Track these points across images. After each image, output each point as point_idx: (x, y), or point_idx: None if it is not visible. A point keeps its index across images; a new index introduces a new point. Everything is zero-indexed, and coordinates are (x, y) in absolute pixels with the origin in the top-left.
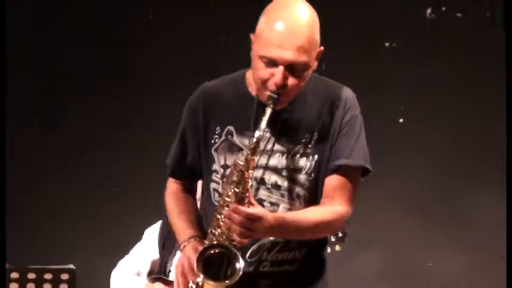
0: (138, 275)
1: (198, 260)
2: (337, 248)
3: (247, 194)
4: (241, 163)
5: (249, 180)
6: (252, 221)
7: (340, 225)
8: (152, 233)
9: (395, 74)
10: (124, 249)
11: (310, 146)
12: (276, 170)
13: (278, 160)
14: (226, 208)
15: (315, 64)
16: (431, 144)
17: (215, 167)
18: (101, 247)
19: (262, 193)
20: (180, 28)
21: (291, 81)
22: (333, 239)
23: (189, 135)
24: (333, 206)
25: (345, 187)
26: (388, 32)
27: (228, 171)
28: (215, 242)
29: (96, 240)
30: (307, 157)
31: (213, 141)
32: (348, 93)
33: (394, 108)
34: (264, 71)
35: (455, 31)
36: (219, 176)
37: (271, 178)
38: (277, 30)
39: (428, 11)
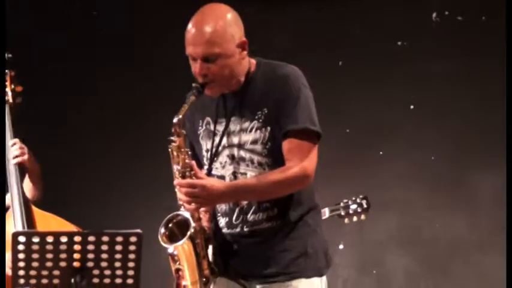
0: None
1: (163, 233)
2: (363, 217)
3: (188, 168)
4: (174, 145)
5: (185, 156)
6: (194, 190)
7: (302, 179)
8: None
9: (407, 68)
10: None
11: (261, 120)
12: (239, 146)
13: (239, 137)
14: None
15: (240, 53)
16: (437, 125)
17: (203, 152)
18: (160, 214)
19: (233, 167)
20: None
21: (212, 68)
22: (359, 210)
23: (189, 135)
24: (287, 165)
25: (296, 148)
26: (400, 33)
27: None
28: (169, 215)
29: (156, 209)
30: (261, 130)
31: (199, 132)
32: (288, 69)
33: (406, 96)
34: (193, 66)
35: (455, 31)
36: (205, 159)
37: (237, 153)
38: (189, 32)
39: (434, 14)
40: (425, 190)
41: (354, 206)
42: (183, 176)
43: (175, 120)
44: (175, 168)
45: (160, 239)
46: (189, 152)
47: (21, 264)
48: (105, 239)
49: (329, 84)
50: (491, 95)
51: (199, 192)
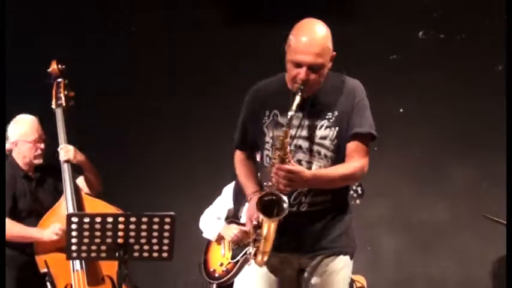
0: (218, 219)
1: (257, 205)
2: (358, 201)
3: (287, 156)
4: (281, 134)
5: (288, 146)
6: (292, 175)
7: (360, 175)
8: (228, 190)
9: (398, 77)
10: (210, 201)
11: (331, 120)
12: (309, 139)
13: (310, 132)
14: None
15: (329, 64)
16: (422, 126)
17: (266, 139)
18: (195, 199)
19: (301, 155)
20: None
21: (312, 76)
22: (355, 195)
23: (248, 119)
24: (352, 162)
25: (359, 148)
26: (393, 48)
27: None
28: (269, 191)
29: (191, 194)
30: (330, 128)
31: (263, 121)
32: (356, 83)
33: (396, 101)
34: (294, 71)
35: (438, 47)
36: (269, 145)
37: (306, 145)
38: (301, 41)
39: (421, 33)
40: (412, 181)
41: (350, 192)
42: (282, 162)
43: (290, 114)
44: (277, 154)
45: (255, 207)
46: (291, 143)
47: (74, 240)
48: (144, 219)
49: None
50: (469, 100)
51: (295, 177)
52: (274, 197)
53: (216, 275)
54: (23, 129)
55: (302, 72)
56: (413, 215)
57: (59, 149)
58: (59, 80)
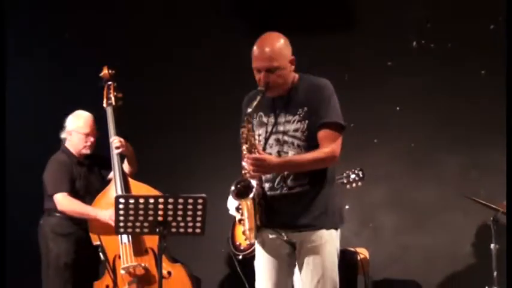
0: None
1: (233, 191)
2: (360, 184)
3: (254, 147)
4: (243, 129)
5: (252, 139)
6: (257, 161)
7: (330, 159)
8: None
9: (395, 80)
10: None
11: (301, 115)
12: (284, 133)
13: (285, 127)
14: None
15: (289, 67)
16: (416, 121)
17: (256, 136)
18: (223, 183)
19: (278, 147)
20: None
21: (272, 78)
22: (356, 178)
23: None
24: (321, 149)
25: (328, 136)
26: (389, 55)
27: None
28: (240, 179)
29: (220, 178)
30: (301, 122)
31: (253, 122)
32: (323, 81)
33: (394, 100)
34: (257, 76)
35: (429, 55)
36: (257, 141)
37: (282, 138)
38: (255, 51)
39: (414, 43)
40: (407, 167)
41: (353, 176)
42: (250, 152)
43: (248, 111)
44: (244, 146)
45: (231, 195)
46: (254, 135)
47: (121, 218)
48: (181, 200)
49: (338, 93)
50: (456, 100)
51: (261, 164)
52: (244, 183)
53: (242, 247)
54: (79, 122)
55: (262, 75)
56: (409, 196)
57: (111, 141)
58: (109, 82)
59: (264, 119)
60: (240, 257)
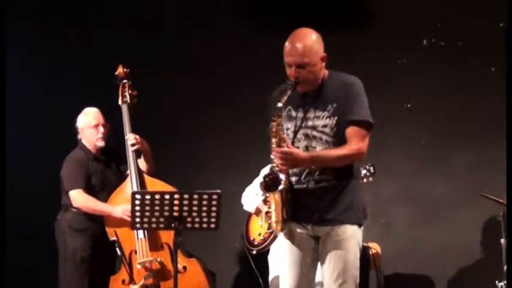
0: (256, 195)
1: (261, 184)
2: (371, 179)
3: (283, 141)
4: (273, 123)
5: (281, 133)
6: (285, 155)
7: (358, 156)
8: (265, 171)
9: (406, 78)
10: (250, 181)
11: (331, 111)
12: (313, 128)
13: (314, 122)
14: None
15: (320, 63)
16: (426, 118)
17: (284, 130)
18: (237, 179)
19: (307, 142)
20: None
21: (302, 73)
22: (368, 174)
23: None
24: (349, 145)
25: (356, 133)
26: (401, 53)
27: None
28: (269, 172)
29: (235, 175)
30: (330, 118)
31: (282, 116)
32: (352, 78)
33: (405, 98)
34: (288, 71)
35: (439, 53)
36: (285, 134)
37: (311, 133)
38: (287, 46)
39: (425, 41)
40: (418, 163)
41: (364, 172)
42: (279, 146)
43: (279, 105)
44: (273, 140)
45: (260, 187)
46: (283, 130)
47: (137, 213)
48: (196, 196)
49: None
50: (466, 97)
51: (290, 158)
52: (273, 176)
53: (256, 242)
54: (87, 118)
55: (292, 71)
56: (419, 192)
57: (126, 138)
58: (124, 81)
59: (293, 113)
60: (254, 252)
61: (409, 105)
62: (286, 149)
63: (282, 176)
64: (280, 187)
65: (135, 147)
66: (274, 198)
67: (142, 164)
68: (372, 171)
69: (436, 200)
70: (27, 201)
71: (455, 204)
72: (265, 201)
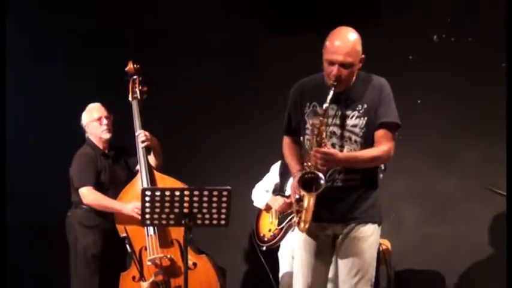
0: (267, 191)
1: (299, 181)
2: (381, 176)
3: (324, 141)
4: (317, 122)
5: (323, 132)
6: (327, 156)
7: (387, 157)
8: (275, 168)
9: (416, 74)
10: (260, 177)
11: (361, 112)
12: (342, 127)
13: (343, 121)
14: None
15: (359, 64)
16: (437, 115)
17: (307, 126)
18: (248, 175)
19: (335, 140)
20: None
21: (344, 73)
22: (379, 171)
23: (292, 110)
24: (379, 147)
25: (386, 135)
26: (411, 48)
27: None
28: (308, 170)
29: (245, 171)
30: (360, 118)
31: (305, 111)
32: (382, 80)
33: (415, 94)
34: (329, 68)
35: (450, 48)
36: (309, 131)
37: (339, 131)
38: (334, 44)
39: (435, 37)
40: (428, 160)
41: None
42: (319, 145)
43: (325, 106)
44: (315, 139)
45: (298, 184)
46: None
47: (147, 210)
48: (206, 193)
49: None
50: (476, 94)
51: (329, 158)
52: (313, 175)
53: (265, 239)
54: (90, 113)
55: (335, 69)
56: (430, 188)
57: (137, 134)
58: (134, 77)
59: (319, 110)
60: (264, 248)
61: (419, 102)
62: (326, 149)
63: (323, 177)
64: (320, 189)
65: (145, 143)
66: (310, 198)
67: (151, 159)
68: (383, 168)
69: (447, 196)
70: (27, 201)
71: (466, 200)
72: (299, 200)
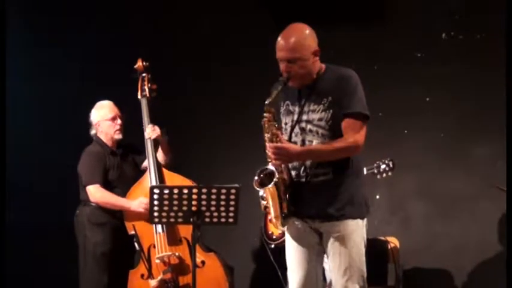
0: None
1: (256, 181)
2: (390, 174)
3: (275, 136)
4: (264, 119)
5: (273, 128)
6: (278, 150)
7: (354, 148)
8: None
9: (424, 71)
10: None
11: (326, 105)
12: (309, 121)
13: (310, 116)
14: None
15: (313, 58)
16: (445, 112)
17: (282, 124)
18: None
19: (304, 136)
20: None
21: (293, 68)
22: (387, 169)
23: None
24: (345, 138)
25: (352, 126)
26: (419, 47)
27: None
28: (260, 168)
29: (254, 169)
30: (325, 111)
31: (281, 110)
32: (350, 72)
33: (423, 91)
34: (281, 66)
35: (458, 46)
36: (283, 129)
37: (307, 126)
38: (278, 41)
39: (443, 34)
40: (437, 157)
41: (383, 166)
42: (271, 141)
43: (266, 102)
44: (266, 136)
45: (254, 184)
46: (276, 124)
47: (156, 208)
48: (214, 191)
49: (368, 83)
50: (486, 90)
51: (282, 153)
52: (266, 171)
53: (274, 236)
54: (103, 110)
55: (282, 66)
56: (438, 186)
57: (146, 130)
58: (144, 74)
59: (291, 108)
60: (273, 245)
61: (427, 99)
62: (278, 144)
63: (274, 168)
64: (272, 182)
65: (154, 135)
66: (270, 193)
67: (160, 156)
68: (391, 166)
69: (455, 194)
70: (28, 200)
71: (474, 198)
72: (262, 198)
